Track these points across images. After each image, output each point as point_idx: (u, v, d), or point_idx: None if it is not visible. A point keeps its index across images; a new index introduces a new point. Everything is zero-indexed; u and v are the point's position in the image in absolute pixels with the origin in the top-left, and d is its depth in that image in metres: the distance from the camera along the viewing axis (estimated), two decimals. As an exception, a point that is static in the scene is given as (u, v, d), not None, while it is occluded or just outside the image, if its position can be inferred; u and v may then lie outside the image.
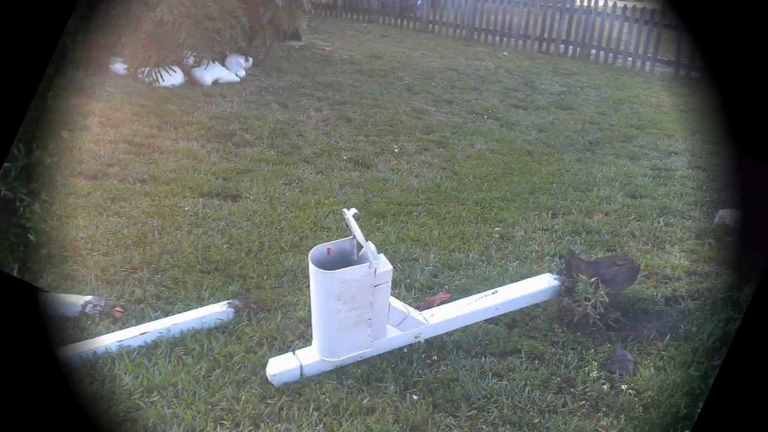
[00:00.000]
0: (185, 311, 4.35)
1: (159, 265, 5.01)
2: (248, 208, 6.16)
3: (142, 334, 4.03)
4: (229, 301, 4.49)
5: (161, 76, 10.44)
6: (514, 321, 4.61)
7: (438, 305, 4.49)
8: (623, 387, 3.95)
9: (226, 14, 10.84)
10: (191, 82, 10.93)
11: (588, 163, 8.62)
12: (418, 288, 4.99)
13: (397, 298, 4.28)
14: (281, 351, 4.06)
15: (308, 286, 4.45)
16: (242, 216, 5.99)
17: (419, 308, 4.43)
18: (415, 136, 9.27)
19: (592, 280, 4.52)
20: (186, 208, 6.04)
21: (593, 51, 17.59)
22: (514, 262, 5.55)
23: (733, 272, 4.60)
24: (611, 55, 17.14)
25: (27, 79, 2.97)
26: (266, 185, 6.80)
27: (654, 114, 11.81)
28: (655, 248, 5.97)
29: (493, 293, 4.54)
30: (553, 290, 4.71)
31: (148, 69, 10.39)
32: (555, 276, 4.79)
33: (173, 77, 10.62)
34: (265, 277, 4.97)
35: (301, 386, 3.77)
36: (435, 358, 4.14)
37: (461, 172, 7.83)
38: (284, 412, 3.57)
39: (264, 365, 3.87)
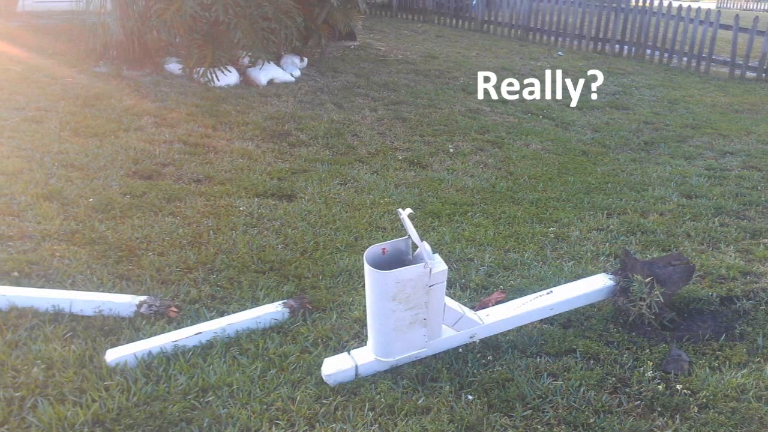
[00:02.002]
0: (240, 311, 4.38)
1: (214, 265, 5.06)
2: (303, 208, 6.20)
3: (197, 334, 4.05)
4: (284, 301, 4.50)
5: (216, 76, 10.57)
6: (569, 321, 4.58)
7: (493, 305, 4.47)
8: (678, 387, 3.90)
9: (282, 14, 10.93)
10: (246, 82, 11.05)
11: (643, 163, 8.54)
12: (473, 288, 4.98)
13: (452, 298, 4.27)
14: (336, 351, 4.07)
15: (363, 286, 4.48)
16: (297, 216, 6.02)
17: (474, 308, 4.43)
18: (470, 136, 9.26)
19: (647, 280, 4.48)
20: (241, 208, 6.10)
21: (648, 51, 17.43)
22: (569, 262, 5.52)
23: None
24: (666, 55, 16.96)
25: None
26: (321, 185, 6.84)
27: (709, 114, 11.66)
28: (710, 248, 5.89)
29: (548, 293, 4.52)
30: (608, 290, 4.68)
31: (203, 69, 10.53)
32: (610, 276, 4.76)
33: (228, 77, 10.75)
34: (320, 277, 5.00)
35: (356, 386, 3.78)
36: (490, 358, 4.12)
37: (516, 172, 7.81)
38: (339, 412, 3.58)
39: (319, 365, 3.88)
